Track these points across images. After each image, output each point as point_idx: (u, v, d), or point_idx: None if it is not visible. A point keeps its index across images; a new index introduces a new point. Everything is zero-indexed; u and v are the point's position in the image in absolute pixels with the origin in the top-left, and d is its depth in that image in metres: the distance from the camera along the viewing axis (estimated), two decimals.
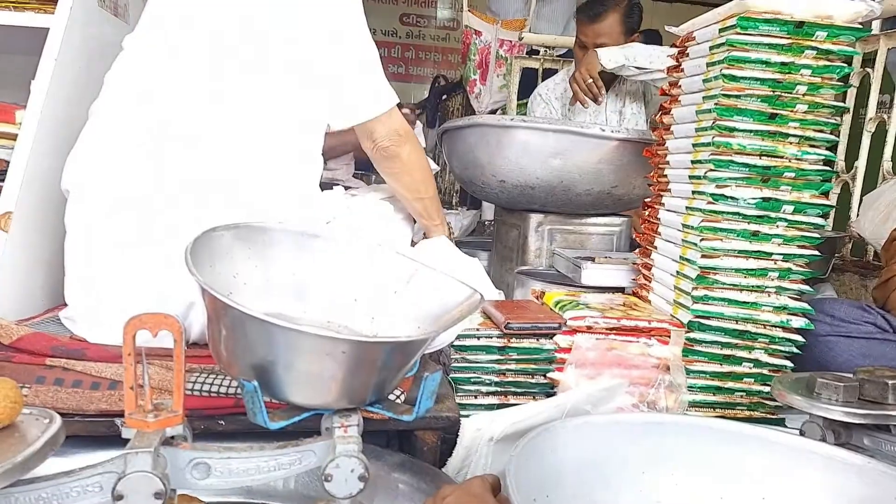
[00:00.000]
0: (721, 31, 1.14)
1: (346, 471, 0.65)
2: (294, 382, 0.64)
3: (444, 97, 4.87)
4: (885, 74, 2.00)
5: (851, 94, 2.09)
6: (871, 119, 1.99)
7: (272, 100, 1.04)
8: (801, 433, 0.96)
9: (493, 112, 2.85)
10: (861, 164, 2.03)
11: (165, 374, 0.88)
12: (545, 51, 2.91)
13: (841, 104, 1.14)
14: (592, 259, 1.48)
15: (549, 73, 2.85)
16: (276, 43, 1.04)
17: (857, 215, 1.89)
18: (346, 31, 1.12)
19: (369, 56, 1.15)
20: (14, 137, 1.26)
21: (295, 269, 0.80)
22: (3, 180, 1.19)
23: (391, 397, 0.83)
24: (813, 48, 1.10)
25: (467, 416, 0.96)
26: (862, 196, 1.93)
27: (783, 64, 1.09)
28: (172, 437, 0.68)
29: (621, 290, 1.43)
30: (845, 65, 1.13)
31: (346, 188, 1.39)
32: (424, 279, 0.83)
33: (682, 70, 1.28)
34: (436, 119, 4.92)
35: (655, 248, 1.29)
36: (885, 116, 1.94)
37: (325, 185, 1.23)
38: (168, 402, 0.71)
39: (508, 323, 1.11)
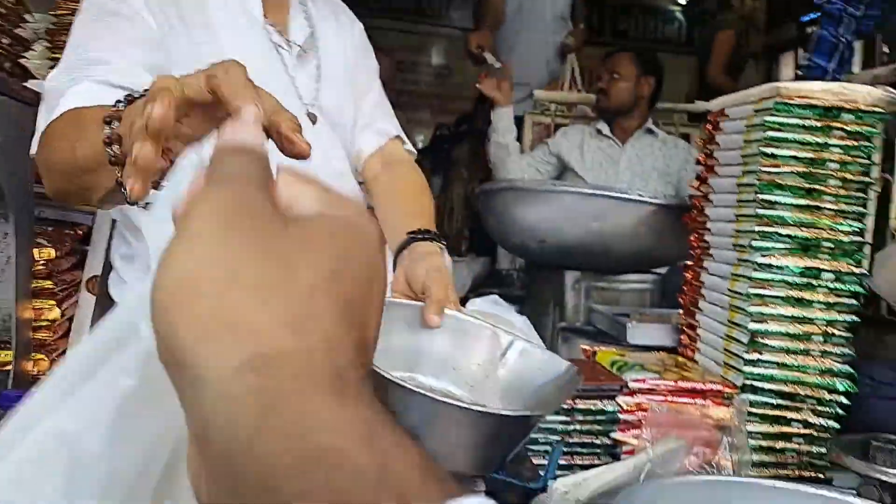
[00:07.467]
0: (756, 111, 1.25)
1: None
2: (436, 449, 0.69)
3: (446, 146, 5.01)
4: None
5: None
6: (875, 179, 2.11)
7: None
8: (858, 493, 1.02)
9: None
10: (869, 223, 2.14)
11: None
12: (556, 107, 3.04)
13: (868, 179, 1.25)
14: (628, 315, 1.55)
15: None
16: None
17: (871, 272, 1.99)
18: None
19: None
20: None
21: (406, 338, 0.87)
22: (88, 244, 1.24)
23: None
24: (841, 129, 1.20)
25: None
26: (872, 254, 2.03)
27: (816, 143, 1.20)
28: None
29: (662, 348, 1.50)
30: (871, 144, 1.24)
31: None
32: (519, 351, 0.89)
33: (717, 144, 1.38)
34: (438, 167, 5.06)
35: (700, 310, 1.37)
36: (889, 177, 2.07)
37: None
38: None
39: None
